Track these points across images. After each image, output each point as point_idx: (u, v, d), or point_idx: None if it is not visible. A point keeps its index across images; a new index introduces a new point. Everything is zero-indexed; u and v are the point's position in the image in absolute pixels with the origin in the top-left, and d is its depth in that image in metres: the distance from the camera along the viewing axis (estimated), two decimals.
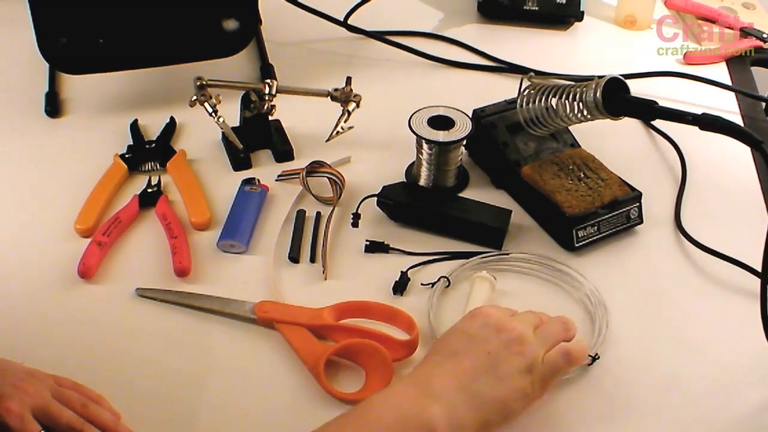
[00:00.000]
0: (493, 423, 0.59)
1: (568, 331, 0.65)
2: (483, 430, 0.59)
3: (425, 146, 0.85)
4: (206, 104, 0.88)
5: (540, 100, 0.83)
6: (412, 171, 0.90)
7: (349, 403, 0.67)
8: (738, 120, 1.03)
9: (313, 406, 0.67)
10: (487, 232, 0.82)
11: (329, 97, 0.91)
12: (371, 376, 0.69)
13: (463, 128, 0.84)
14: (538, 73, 0.99)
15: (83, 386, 0.66)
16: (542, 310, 0.75)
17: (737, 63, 1.14)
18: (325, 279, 0.78)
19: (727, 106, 1.05)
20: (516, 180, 0.86)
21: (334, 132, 0.91)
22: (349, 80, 0.90)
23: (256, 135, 0.93)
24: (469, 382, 0.59)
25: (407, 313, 0.73)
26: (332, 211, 0.85)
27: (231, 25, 0.96)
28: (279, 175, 0.90)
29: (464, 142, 0.85)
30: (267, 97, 0.90)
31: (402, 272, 0.78)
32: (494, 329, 0.63)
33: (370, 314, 0.74)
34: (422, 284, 0.77)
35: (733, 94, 1.07)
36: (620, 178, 0.84)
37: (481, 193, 0.89)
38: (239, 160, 0.92)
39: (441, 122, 0.85)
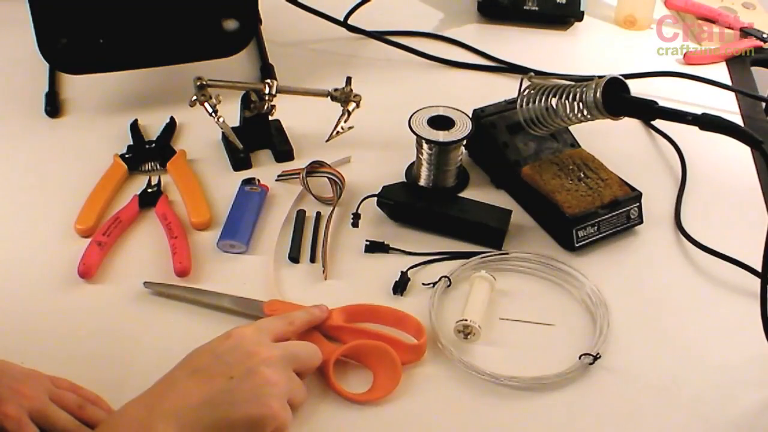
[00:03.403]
0: None
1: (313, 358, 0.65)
2: None
3: (425, 146, 0.85)
4: (206, 104, 0.88)
5: (540, 100, 0.83)
6: (412, 171, 0.90)
7: (356, 403, 0.67)
8: (738, 120, 1.03)
9: (321, 405, 0.67)
10: (487, 232, 0.82)
11: (329, 97, 0.91)
12: (379, 377, 0.68)
13: (463, 128, 0.84)
14: (538, 73, 0.99)
15: (81, 387, 0.66)
16: (543, 309, 0.76)
17: (737, 63, 1.14)
18: (326, 279, 0.78)
19: (727, 106, 1.05)
20: (516, 180, 0.86)
21: (334, 132, 0.91)
22: (349, 80, 0.90)
23: (256, 135, 0.93)
24: (203, 404, 0.57)
25: (416, 318, 0.72)
26: (332, 211, 0.85)
27: (231, 25, 0.96)
28: (279, 175, 0.90)
29: (464, 142, 0.85)
30: (267, 97, 0.90)
31: (402, 272, 0.78)
32: (244, 353, 0.60)
33: (379, 318, 0.73)
34: (423, 284, 0.77)
35: (733, 94, 1.07)
36: (620, 178, 0.84)
37: (481, 193, 0.89)
38: (239, 160, 0.92)
39: (441, 122, 0.85)
